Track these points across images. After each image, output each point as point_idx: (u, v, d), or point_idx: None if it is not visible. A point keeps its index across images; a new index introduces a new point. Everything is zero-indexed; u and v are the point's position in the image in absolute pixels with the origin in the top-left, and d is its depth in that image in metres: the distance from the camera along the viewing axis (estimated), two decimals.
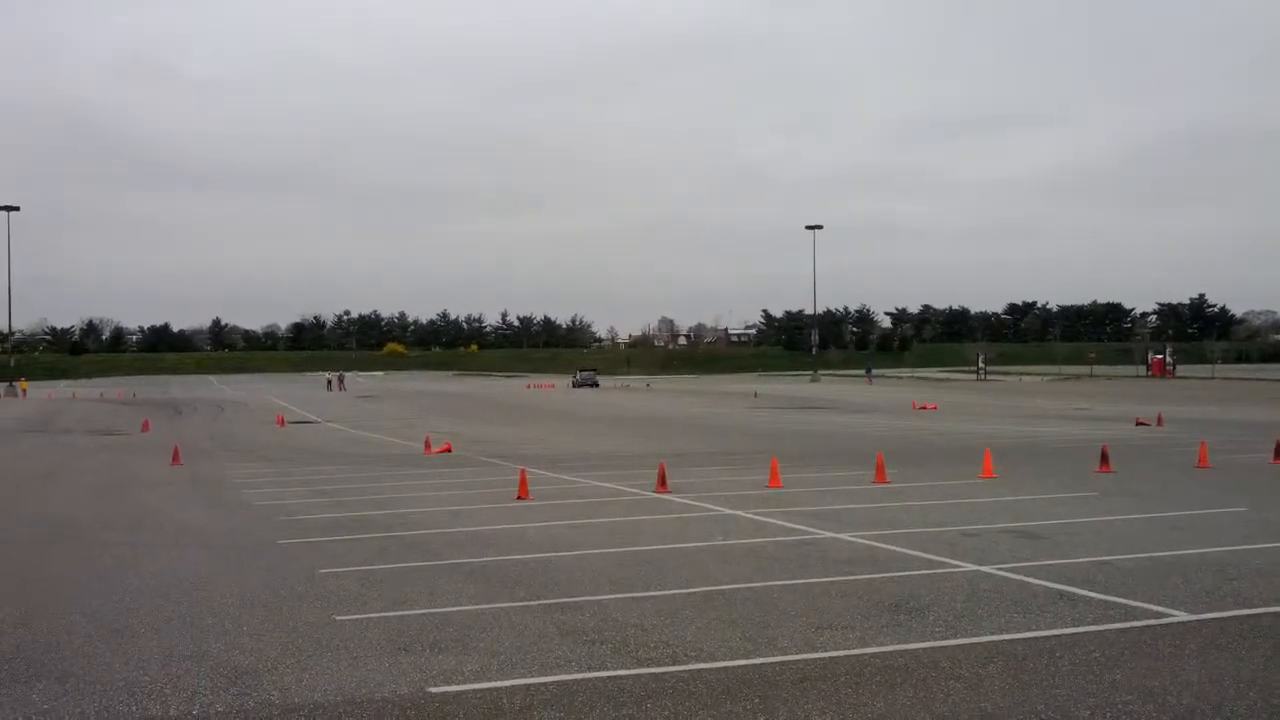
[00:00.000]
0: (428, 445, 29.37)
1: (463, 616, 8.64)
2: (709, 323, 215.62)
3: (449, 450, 28.22)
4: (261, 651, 7.68)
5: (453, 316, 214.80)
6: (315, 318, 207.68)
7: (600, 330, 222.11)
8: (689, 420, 45.35)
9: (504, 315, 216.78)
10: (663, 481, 17.93)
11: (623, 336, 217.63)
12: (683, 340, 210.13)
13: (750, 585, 9.73)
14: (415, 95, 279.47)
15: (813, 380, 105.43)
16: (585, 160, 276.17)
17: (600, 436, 34.99)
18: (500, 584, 10.00)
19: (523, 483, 17.43)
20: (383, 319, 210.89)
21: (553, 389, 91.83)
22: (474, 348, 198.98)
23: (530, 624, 8.34)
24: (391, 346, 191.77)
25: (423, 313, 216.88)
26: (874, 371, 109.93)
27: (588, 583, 9.98)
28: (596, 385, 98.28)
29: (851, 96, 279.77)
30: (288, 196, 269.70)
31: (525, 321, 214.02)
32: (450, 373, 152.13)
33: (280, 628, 8.39)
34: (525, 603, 9.12)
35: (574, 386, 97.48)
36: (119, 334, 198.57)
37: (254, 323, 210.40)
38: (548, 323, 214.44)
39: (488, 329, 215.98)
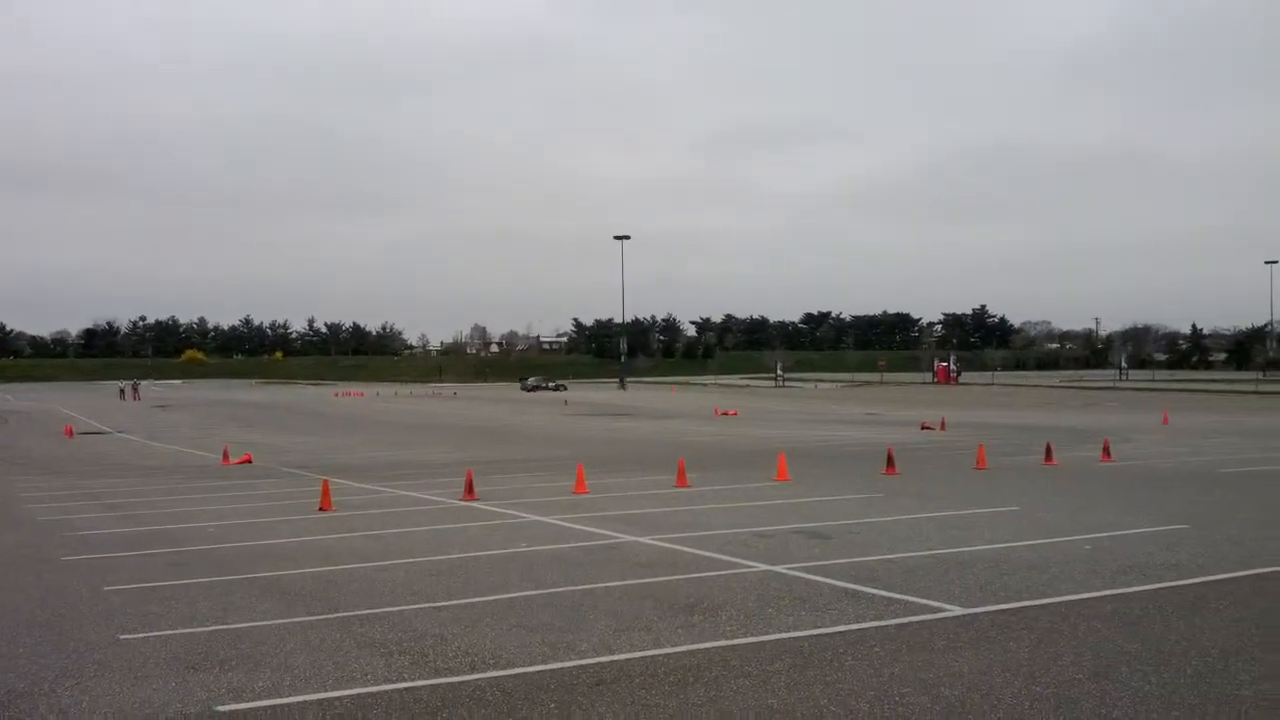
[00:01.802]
0: (226, 456, 28.39)
1: (256, 632, 8.46)
2: (521, 330, 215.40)
3: (249, 461, 27.36)
4: (38, 674, 7.35)
5: (256, 323, 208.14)
6: (109, 323, 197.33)
7: (411, 338, 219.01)
8: (499, 427, 45.23)
9: (311, 322, 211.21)
10: (470, 489, 17.88)
11: (435, 344, 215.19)
12: (495, 348, 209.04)
13: (552, 591, 9.86)
14: (222, 95, 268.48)
15: (621, 387, 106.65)
16: (400, 167, 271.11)
17: (409, 445, 34.53)
18: (297, 598, 9.82)
19: (325, 493, 17.08)
20: (181, 325, 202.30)
21: (362, 397, 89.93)
22: (279, 355, 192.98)
23: (327, 638, 8.23)
24: (190, 354, 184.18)
25: (224, 319, 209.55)
26: (629, 379, 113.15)
27: (388, 594, 9.90)
28: (550, 389, 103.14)
29: (664, 109, 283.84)
30: (82, 197, 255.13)
31: (333, 328, 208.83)
32: (253, 381, 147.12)
33: (60, 648, 8.04)
34: (322, 616, 8.99)
35: (524, 390, 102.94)
36: None
37: (42, 329, 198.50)
38: (357, 330, 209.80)
39: (294, 335, 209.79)
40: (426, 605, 9.35)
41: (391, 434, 41.43)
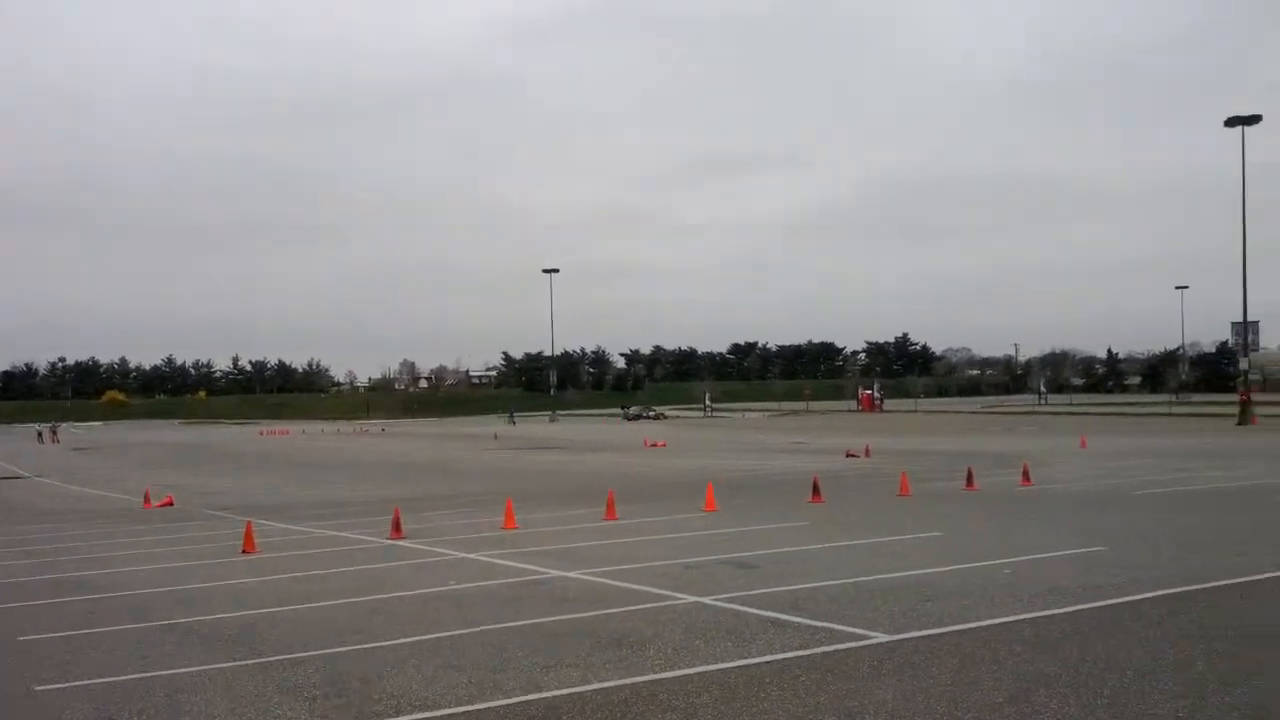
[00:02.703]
0: (147, 499, 27.79)
1: (176, 680, 8.30)
2: (451, 365, 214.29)
3: (170, 504, 26.81)
4: None
5: (179, 362, 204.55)
6: (27, 365, 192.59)
7: (338, 374, 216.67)
8: (428, 464, 44.84)
9: (235, 360, 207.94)
10: (397, 528, 17.72)
11: (362, 380, 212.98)
12: (424, 383, 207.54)
13: (480, 629, 9.80)
14: (146, 127, 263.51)
15: (551, 420, 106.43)
16: (327, 201, 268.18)
17: (335, 484, 34.08)
18: (219, 644, 9.66)
19: (248, 535, 16.81)
20: (101, 365, 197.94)
21: (288, 435, 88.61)
22: (202, 394, 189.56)
23: (248, 684, 8.11)
24: (111, 395, 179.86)
25: (146, 358, 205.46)
26: (516, 414, 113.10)
27: (313, 637, 9.77)
28: (650, 418, 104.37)
29: (595, 141, 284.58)
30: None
31: (258, 366, 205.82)
32: (176, 421, 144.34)
33: None
34: (244, 662, 8.85)
35: (627, 419, 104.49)
36: None
37: None
38: (282, 367, 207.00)
39: (218, 374, 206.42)
40: (352, 647, 9.25)
41: (317, 473, 40.87)
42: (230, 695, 7.80)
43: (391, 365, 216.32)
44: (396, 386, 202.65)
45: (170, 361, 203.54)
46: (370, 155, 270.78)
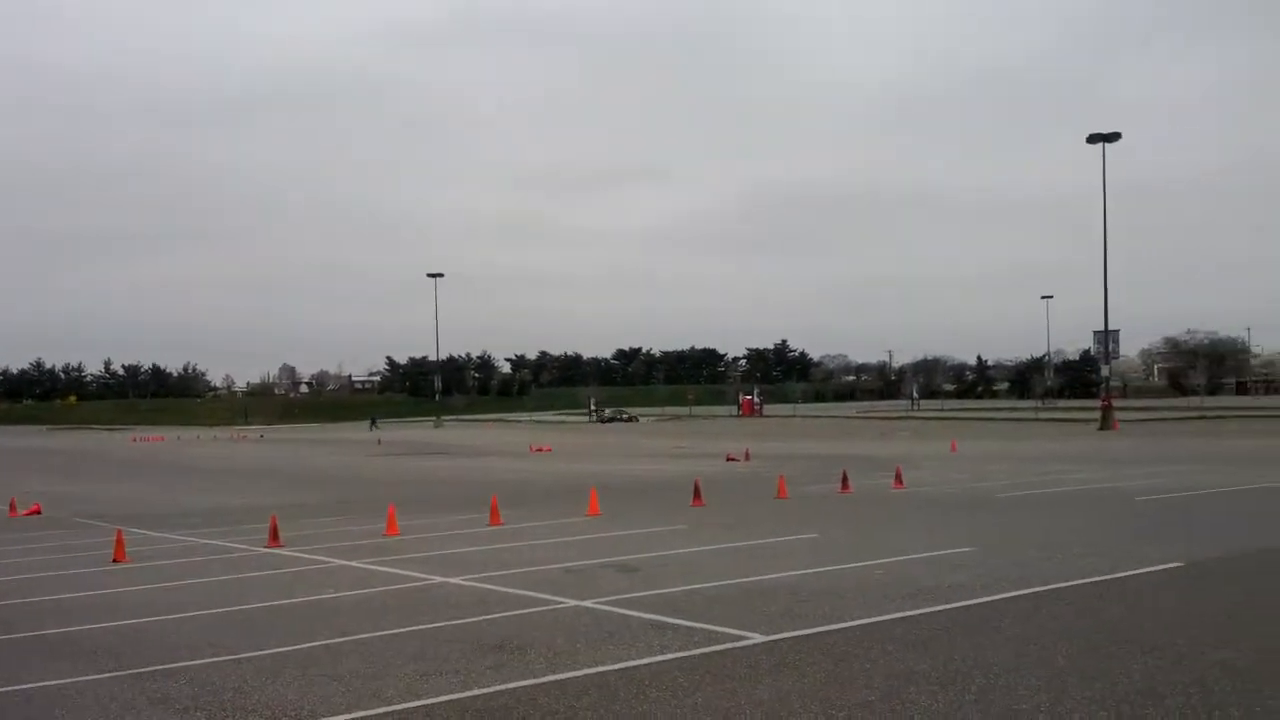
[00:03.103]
0: (13, 507, 26.75)
1: (42, 694, 8.06)
2: (333, 370, 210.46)
3: (38, 512, 25.84)
4: None
5: (48, 365, 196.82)
6: None
7: (216, 379, 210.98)
8: (309, 470, 44.05)
9: (107, 364, 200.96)
10: (274, 535, 17.40)
11: (241, 385, 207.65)
12: (305, 388, 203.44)
13: (358, 637, 9.72)
14: (18, 133, 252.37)
15: (436, 426, 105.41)
16: (204, 202, 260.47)
17: (211, 491, 33.24)
18: (87, 656, 9.39)
19: (119, 544, 16.31)
20: None
21: (162, 441, 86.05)
22: (72, 399, 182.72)
23: (118, 696, 7.92)
24: None
25: (13, 362, 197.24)
26: (378, 420, 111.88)
27: (185, 647, 9.56)
28: (624, 420, 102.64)
29: (483, 146, 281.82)
30: None
31: (131, 370, 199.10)
32: (44, 427, 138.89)
33: None
34: (115, 673, 8.62)
35: (600, 422, 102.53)
36: None
37: None
38: (157, 371, 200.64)
39: (89, 379, 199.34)
40: (226, 658, 9.08)
41: (192, 480, 39.83)
42: (100, 708, 7.61)
43: (271, 370, 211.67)
44: (276, 391, 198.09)
45: (39, 365, 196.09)
46: (251, 157, 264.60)
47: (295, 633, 10.07)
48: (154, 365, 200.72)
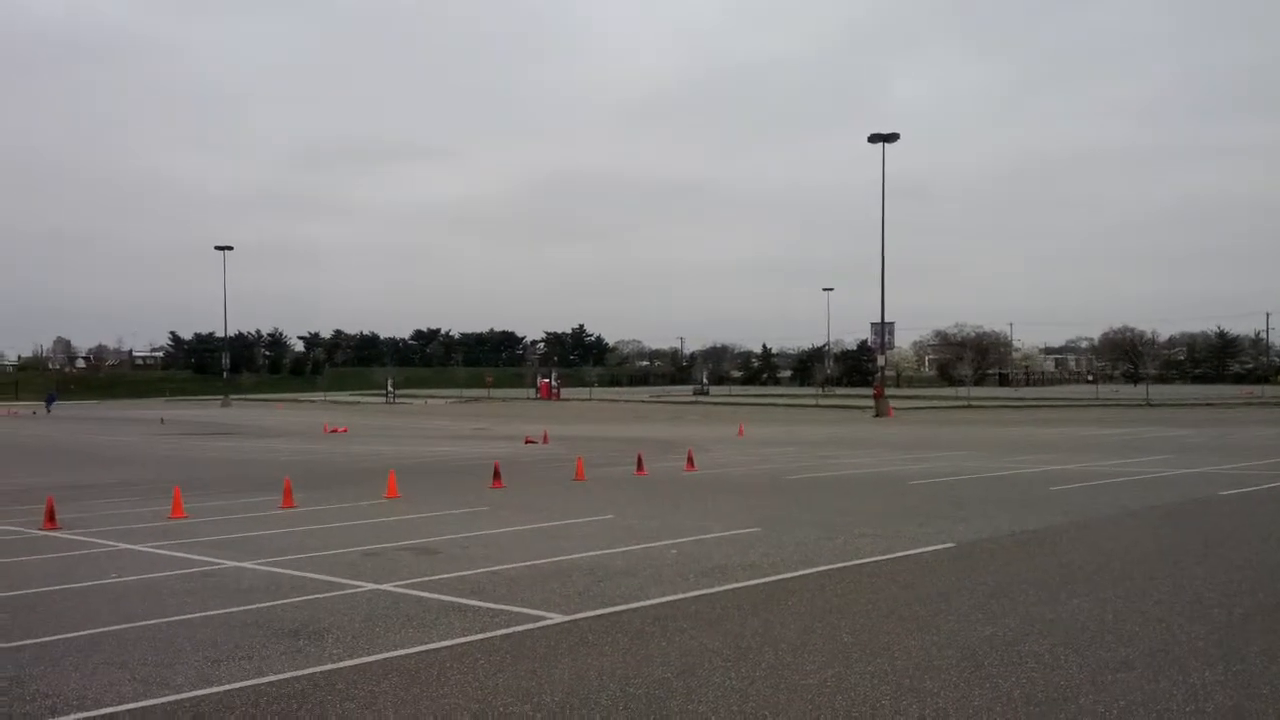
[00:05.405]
0: None
1: None
2: (112, 344, 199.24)
3: None
4: None
5: None
6: None
7: None
8: (88, 449, 41.80)
9: None
10: (50, 517, 16.51)
11: (11, 358, 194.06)
12: (81, 363, 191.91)
13: (144, 624, 9.39)
14: None
15: (224, 405, 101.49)
16: None
17: None
18: None
19: None
20: None
21: None
22: None
23: None
24: None
25: None
26: (55, 401, 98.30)
27: None
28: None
29: (262, 116, 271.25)
30: None
31: None
32: None
33: None
34: None
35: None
36: None
37: None
38: None
39: None
40: (0, 646, 8.65)
41: None
42: None
43: (44, 343, 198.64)
44: (50, 366, 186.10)
45: None
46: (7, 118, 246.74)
47: (76, 619, 9.64)
48: None
